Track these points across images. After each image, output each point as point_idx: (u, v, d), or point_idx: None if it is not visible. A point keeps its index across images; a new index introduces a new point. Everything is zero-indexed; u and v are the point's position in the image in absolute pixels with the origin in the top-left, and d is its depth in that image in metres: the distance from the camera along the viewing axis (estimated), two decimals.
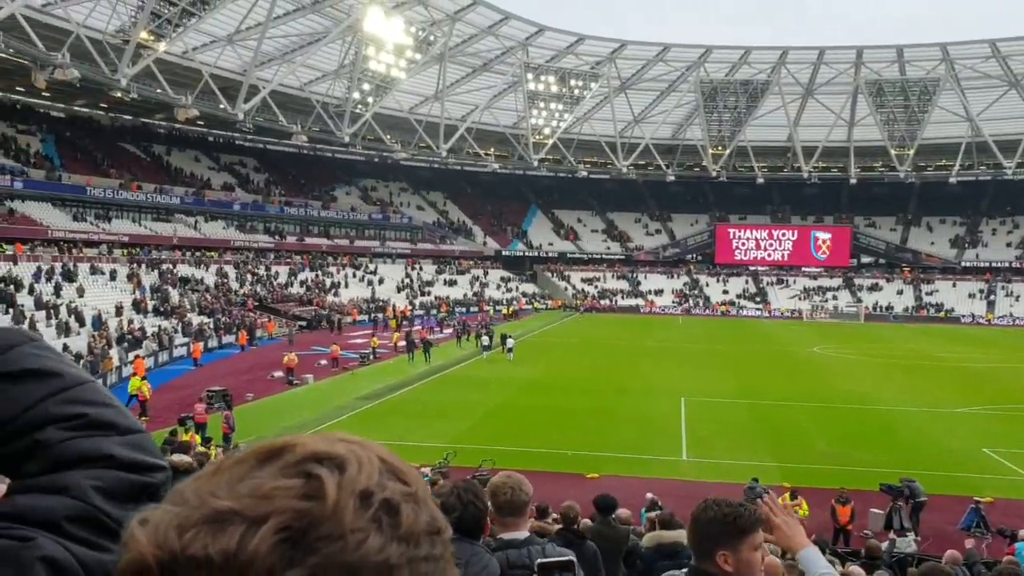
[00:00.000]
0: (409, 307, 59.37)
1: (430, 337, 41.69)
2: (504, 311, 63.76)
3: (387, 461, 0.63)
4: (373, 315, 54.00)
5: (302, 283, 57.93)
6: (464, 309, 64.14)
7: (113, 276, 43.60)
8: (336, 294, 58.59)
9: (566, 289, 78.18)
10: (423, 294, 66.15)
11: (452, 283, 71.28)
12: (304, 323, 49.21)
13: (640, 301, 75.53)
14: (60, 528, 0.76)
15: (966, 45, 63.18)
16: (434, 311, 60.73)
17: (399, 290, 65.09)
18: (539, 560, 2.48)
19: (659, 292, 76.91)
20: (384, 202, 79.82)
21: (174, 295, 44.45)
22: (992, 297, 71.43)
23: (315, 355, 36.08)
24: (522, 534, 2.98)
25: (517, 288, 75.79)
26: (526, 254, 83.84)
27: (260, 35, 49.36)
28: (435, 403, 25.58)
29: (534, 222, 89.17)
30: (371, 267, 67.44)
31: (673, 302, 75.52)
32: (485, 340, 37.58)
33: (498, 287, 74.59)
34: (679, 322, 63.58)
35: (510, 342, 36.94)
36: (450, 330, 48.04)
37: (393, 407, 25.11)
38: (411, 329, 44.74)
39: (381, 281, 65.22)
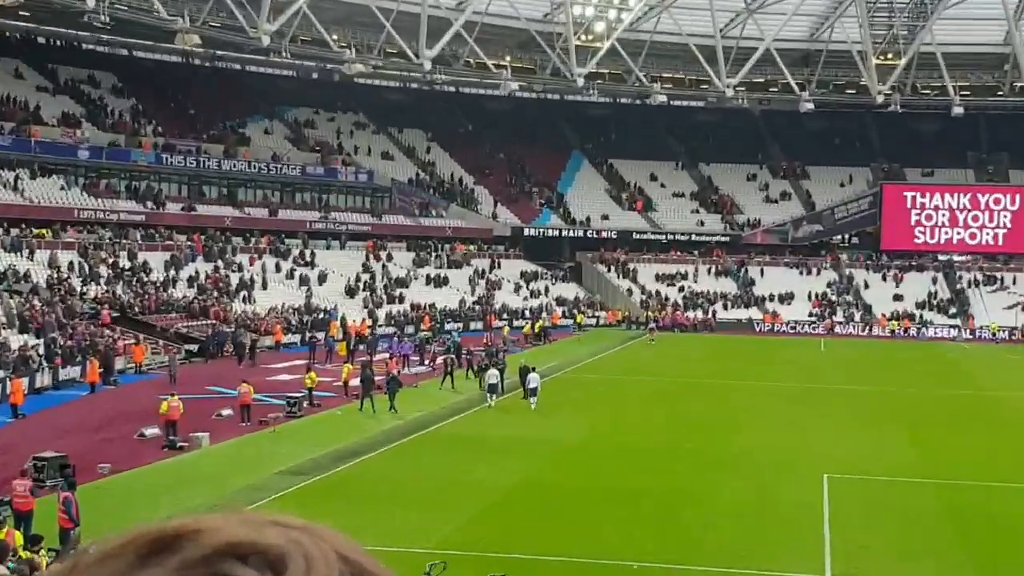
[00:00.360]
0: (368, 322, 59.79)
1: (401, 371, 41.57)
2: (526, 329, 64.05)
3: (351, 559, 0.65)
4: (309, 335, 54.41)
5: (192, 281, 58.64)
6: (459, 326, 64.65)
7: None
8: (248, 299, 59.25)
9: (630, 292, 78.57)
10: (392, 300, 66.70)
11: (441, 282, 71.81)
12: (195, 348, 49.82)
13: (755, 313, 75.75)
14: None
15: None
16: (410, 329, 61.35)
17: (352, 293, 65.74)
18: None
19: (787, 298, 76.88)
20: (328, 146, 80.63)
21: None
22: None
23: (213, 400, 36.38)
24: None
25: (548, 290, 76.47)
26: (564, 234, 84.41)
27: None
28: (411, 481, 25.73)
29: (579, 180, 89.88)
30: (306, 255, 68.25)
31: (811, 314, 75.50)
32: (493, 376, 37.72)
33: (517, 289, 75.20)
34: (820, 347, 63.59)
35: (534, 380, 37.09)
36: (430, 360, 48.24)
37: (340, 487, 25.27)
38: (370, 359, 44.75)
39: (323, 278, 65.76)
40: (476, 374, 41.65)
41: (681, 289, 78.69)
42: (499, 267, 77.12)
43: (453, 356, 44.82)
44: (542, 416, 35.11)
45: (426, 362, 48.33)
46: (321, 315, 59.34)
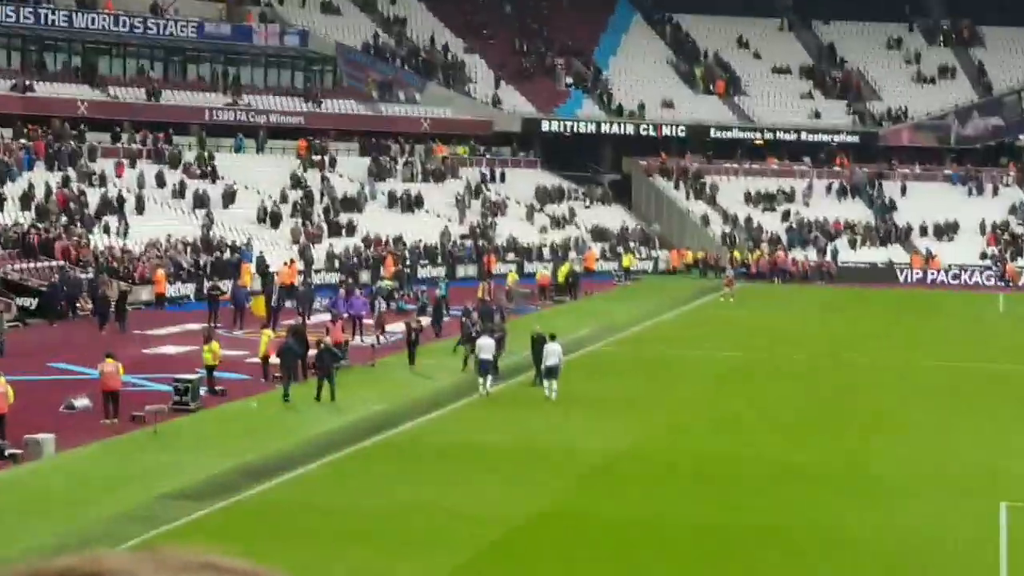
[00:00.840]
0: (300, 265, 59.69)
1: (349, 340, 41.77)
2: (540, 275, 63.76)
3: None
4: (210, 285, 54.07)
5: (27, 201, 58.67)
6: (443, 273, 64.43)
7: None
8: (117, 230, 59.30)
9: (706, 221, 78.58)
10: (336, 231, 66.92)
11: (412, 204, 71.87)
12: (32, 303, 49.70)
13: (898, 253, 75.82)
14: None
15: None
16: (365, 276, 61.25)
17: (275, 221, 65.86)
18: None
19: (947, 230, 76.67)
20: None
21: None
22: None
23: (61, 384, 36.33)
24: None
25: (576, 217, 76.59)
26: (604, 129, 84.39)
27: None
28: (362, 512, 25.75)
29: (627, 47, 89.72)
30: (205, 161, 68.30)
31: (984, 255, 75.40)
32: (487, 349, 37.47)
33: (531, 214, 75.27)
34: (998, 307, 63.60)
35: (555, 355, 36.88)
36: (378, 323, 47.97)
37: (256, 518, 25.30)
38: (303, 321, 44.66)
39: (230, 198, 65.95)
40: (462, 348, 41.31)
41: (785, 216, 78.38)
42: (503, 180, 76.96)
43: (421, 319, 44.51)
44: (565, 411, 34.95)
45: (389, 327, 48.07)
46: (227, 254, 59.17)
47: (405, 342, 42.25)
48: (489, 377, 37.10)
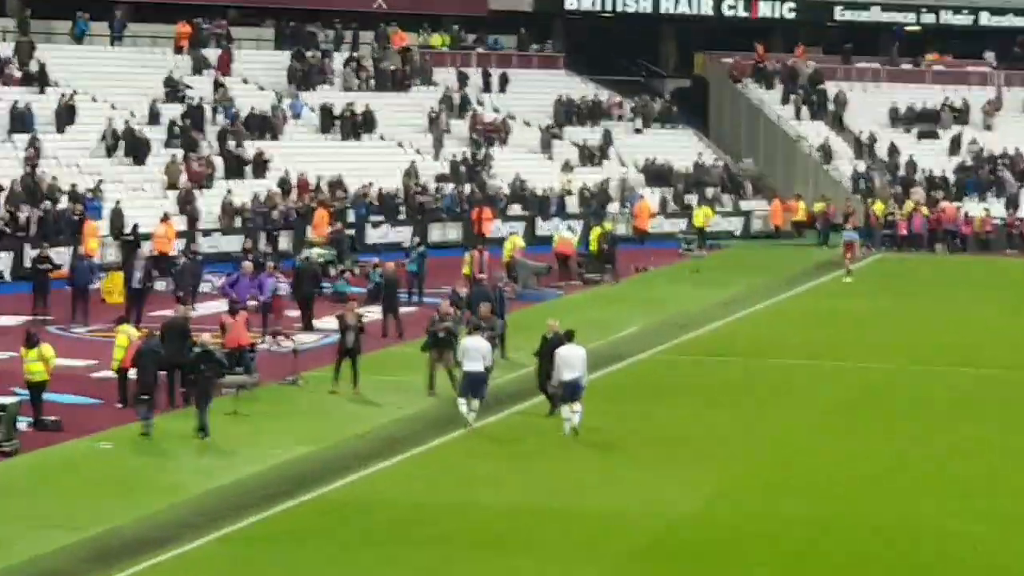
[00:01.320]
0: (178, 224, 60.09)
1: (258, 342, 43.05)
2: (562, 240, 63.78)
3: None
4: (37, 255, 54.38)
5: None
6: (411, 236, 64.94)
7: None
8: None
9: (827, 158, 79.54)
10: (238, 169, 67.93)
11: (357, 125, 73.04)
12: None
13: None
14: None
15: None
16: (281, 241, 62.29)
17: (138, 153, 66.68)
18: None
19: None
20: None
21: None
22: None
23: None
24: None
25: (617, 147, 77.77)
26: (666, 7, 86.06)
27: None
28: None
29: None
30: (27, 57, 69.12)
31: None
32: (473, 354, 37.92)
33: (546, 144, 76.79)
34: None
35: (575, 366, 36.96)
36: (276, 314, 49.32)
37: None
38: (185, 310, 45.00)
39: (66, 116, 66.71)
40: (427, 347, 41.64)
41: (954, 147, 78.79)
42: (503, 89, 78.10)
43: (361, 313, 44.65)
44: (596, 454, 35.26)
45: (318, 323, 48.41)
46: (63, 205, 59.46)
47: (339, 349, 42.31)
48: (476, 400, 37.33)
